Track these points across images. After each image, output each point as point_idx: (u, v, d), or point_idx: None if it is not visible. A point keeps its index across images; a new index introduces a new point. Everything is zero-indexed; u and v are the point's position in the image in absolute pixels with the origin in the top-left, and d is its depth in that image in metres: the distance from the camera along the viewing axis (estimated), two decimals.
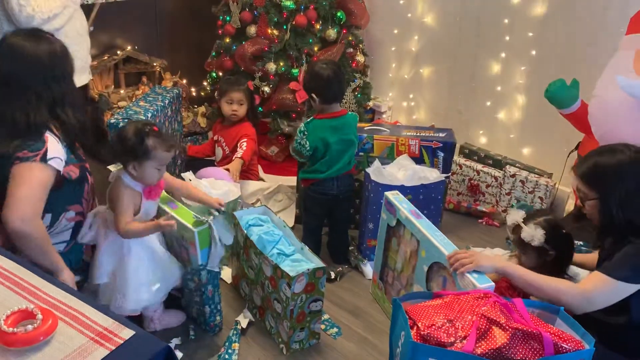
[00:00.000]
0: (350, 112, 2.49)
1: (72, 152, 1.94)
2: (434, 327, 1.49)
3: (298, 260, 2.07)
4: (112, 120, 2.46)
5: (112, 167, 2.25)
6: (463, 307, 1.56)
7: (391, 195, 2.19)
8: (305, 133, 2.38)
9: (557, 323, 1.62)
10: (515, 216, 2.02)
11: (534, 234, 1.91)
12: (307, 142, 2.37)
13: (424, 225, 1.99)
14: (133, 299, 1.96)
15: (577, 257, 2.06)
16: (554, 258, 1.96)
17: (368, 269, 2.51)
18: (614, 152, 1.78)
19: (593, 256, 2.01)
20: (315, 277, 1.97)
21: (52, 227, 1.90)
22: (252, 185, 2.94)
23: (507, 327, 1.47)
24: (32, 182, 1.74)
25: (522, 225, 1.96)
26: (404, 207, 2.10)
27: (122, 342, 1.17)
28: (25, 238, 1.75)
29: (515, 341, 1.46)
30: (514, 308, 1.57)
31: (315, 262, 2.02)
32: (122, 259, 1.95)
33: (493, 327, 1.48)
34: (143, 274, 1.97)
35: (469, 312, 1.53)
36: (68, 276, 1.87)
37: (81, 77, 2.60)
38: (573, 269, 2.05)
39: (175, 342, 2.06)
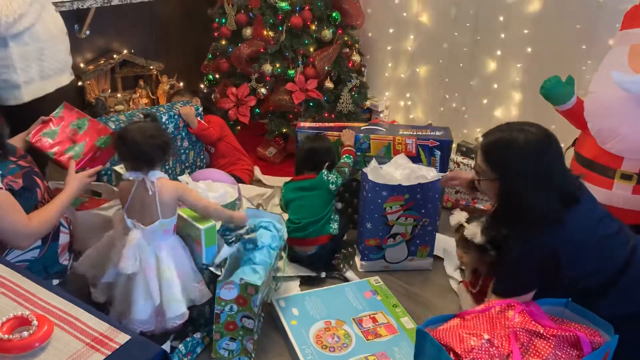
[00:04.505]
0: (310, 180, 2.52)
1: (3, 164, 1.87)
2: (474, 350, 1.39)
3: (256, 272, 1.96)
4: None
5: (118, 169, 2.25)
6: (493, 322, 1.49)
7: None
8: (282, 191, 2.61)
9: (566, 315, 1.59)
10: (459, 217, 2.08)
11: (475, 231, 1.94)
12: (282, 200, 2.60)
13: None
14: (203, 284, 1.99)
15: None
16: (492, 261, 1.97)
17: (349, 274, 2.52)
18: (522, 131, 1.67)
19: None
20: (246, 292, 1.90)
21: None
22: (251, 190, 2.95)
23: (547, 336, 1.41)
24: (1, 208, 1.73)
25: (465, 224, 1.98)
26: None
27: (117, 347, 1.17)
28: (41, 235, 1.85)
29: (558, 348, 1.41)
30: (535, 312, 1.53)
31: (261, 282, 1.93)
32: (181, 254, 1.98)
33: (534, 338, 1.42)
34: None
35: (501, 327, 1.46)
36: (72, 185, 1.95)
37: (63, 78, 2.58)
38: None
39: (174, 344, 2.06)
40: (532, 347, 1.40)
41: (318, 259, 2.48)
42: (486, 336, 1.42)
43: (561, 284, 1.66)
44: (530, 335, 1.42)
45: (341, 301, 2.27)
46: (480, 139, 1.78)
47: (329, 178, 2.50)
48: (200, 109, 2.93)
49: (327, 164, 2.55)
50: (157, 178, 1.91)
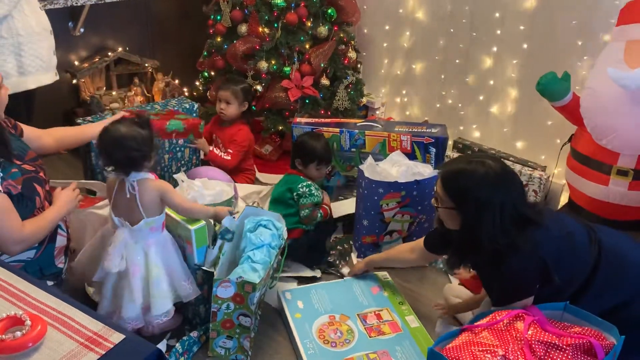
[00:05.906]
0: (294, 175, 2.53)
1: (5, 168, 1.84)
2: None
3: (255, 270, 1.95)
4: None
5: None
6: (504, 336, 1.46)
7: None
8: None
9: (565, 318, 1.58)
10: None
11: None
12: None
13: None
14: (192, 282, 1.99)
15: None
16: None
17: (345, 271, 2.50)
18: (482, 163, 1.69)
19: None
20: (244, 290, 1.88)
21: None
22: (246, 188, 2.93)
23: (563, 347, 1.40)
24: None
25: None
26: None
27: (112, 346, 1.16)
28: (32, 243, 1.83)
29: (575, 358, 1.40)
30: (542, 320, 1.51)
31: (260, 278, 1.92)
32: (170, 250, 1.96)
33: (550, 350, 1.40)
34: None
35: (512, 340, 1.43)
36: (60, 200, 1.93)
37: (45, 76, 2.56)
38: None
39: (171, 343, 2.05)
40: (549, 359, 1.38)
41: (292, 252, 2.41)
42: (500, 352, 1.40)
43: (551, 294, 1.67)
44: (546, 347, 1.40)
45: (347, 295, 2.26)
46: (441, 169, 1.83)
47: (301, 189, 2.44)
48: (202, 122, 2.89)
49: (297, 160, 2.54)
50: (137, 179, 1.87)
